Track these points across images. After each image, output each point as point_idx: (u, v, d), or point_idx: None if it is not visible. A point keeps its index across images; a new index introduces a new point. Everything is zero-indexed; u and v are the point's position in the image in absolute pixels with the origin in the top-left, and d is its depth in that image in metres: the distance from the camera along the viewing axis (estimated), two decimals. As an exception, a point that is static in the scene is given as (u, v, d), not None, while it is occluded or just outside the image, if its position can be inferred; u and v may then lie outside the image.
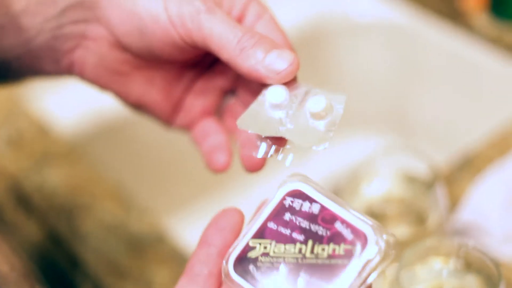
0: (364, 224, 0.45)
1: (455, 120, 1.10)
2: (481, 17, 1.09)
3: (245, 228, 0.49)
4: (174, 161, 1.09)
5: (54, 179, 0.94)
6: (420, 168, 0.75)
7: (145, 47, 0.57)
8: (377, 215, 0.74)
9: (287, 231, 0.47)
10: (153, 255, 0.83)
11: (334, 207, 0.47)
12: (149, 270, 0.81)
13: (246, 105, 0.60)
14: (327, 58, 1.20)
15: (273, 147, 0.53)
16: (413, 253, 0.65)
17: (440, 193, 0.74)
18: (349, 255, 0.45)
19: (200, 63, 0.62)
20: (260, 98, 0.54)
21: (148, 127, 1.05)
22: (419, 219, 0.76)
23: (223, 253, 0.48)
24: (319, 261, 0.45)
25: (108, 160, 1.02)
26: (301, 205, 0.48)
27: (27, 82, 0.64)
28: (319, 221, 0.47)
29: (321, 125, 0.51)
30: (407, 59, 1.15)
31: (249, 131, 0.53)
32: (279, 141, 0.53)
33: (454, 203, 0.82)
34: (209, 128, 0.63)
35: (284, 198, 0.48)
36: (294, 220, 0.47)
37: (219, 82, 0.62)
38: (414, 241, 0.69)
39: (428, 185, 0.74)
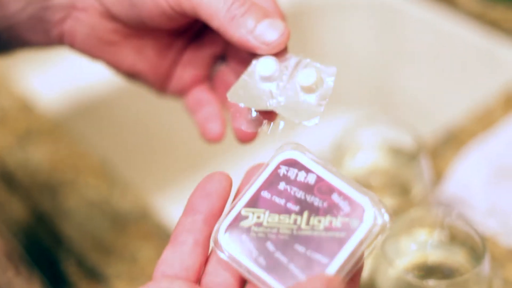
0: (362, 196, 0.45)
1: (439, 96, 1.10)
2: (465, -7, 1.09)
3: (236, 197, 0.47)
4: (158, 137, 1.09)
5: (38, 156, 0.93)
6: (405, 140, 0.76)
7: (135, 17, 0.57)
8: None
9: (281, 201, 0.46)
10: (137, 231, 0.83)
11: (330, 178, 0.46)
12: (133, 246, 0.81)
13: (236, 71, 0.61)
14: (311, 35, 1.19)
15: (264, 121, 0.53)
16: (398, 224, 0.66)
17: (425, 165, 0.74)
18: (346, 227, 0.44)
19: (190, 29, 0.61)
20: (250, 69, 0.53)
21: (131, 103, 1.05)
22: (403, 190, 0.76)
23: (209, 220, 0.46)
24: (315, 233, 0.44)
25: (91, 137, 1.02)
26: (296, 174, 0.46)
27: (16, 53, 0.63)
28: (315, 192, 0.45)
29: (312, 98, 0.51)
30: (391, 35, 1.15)
31: (240, 105, 0.53)
32: (269, 114, 0.53)
33: (438, 176, 0.82)
34: (202, 97, 0.63)
35: (278, 167, 0.47)
36: (289, 190, 0.46)
37: (209, 48, 0.62)
38: (399, 212, 0.69)
39: (412, 156, 0.74)
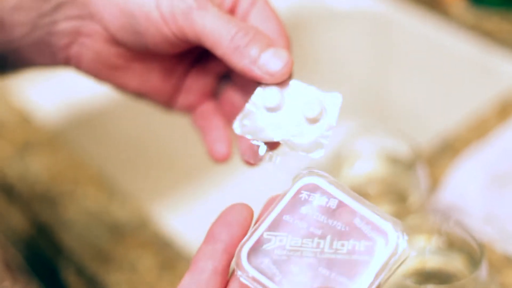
0: (384, 221, 0.45)
1: (434, 105, 1.11)
2: (459, 5, 1.10)
3: (257, 222, 0.47)
4: (155, 148, 1.09)
5: (37, 167, 0.94)
6: (401, 149, 0.76)
7: (139, 42, 0.57)
8: (359, 195, 0.75)
9: (303, 225, 0.46)
10: (136, 240, 0.83)
11: (352, 203, 0.46)
12: (133, 255, 0.81)
13: (241, 89, 0.61)
14: (306, 45, 1.20)
15: (269, 152, 0.53)
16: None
17: (421, 173, 0.74)
18: (370, 251, 0.44)
19: (194, 51, 0.62)
20: (254, 98, 0.54)
21: (128, 114, 1.06)
22: (400, 198, 0.77)
23: (229, 249, 0.46)
24: (339, 256, 0.44)
25: (89, 148, 1.02)
26: (318, 199, 0.47)
27: (22, 73, 0.64)
28: (337, 216, 0.46)
29: (316, 129, 0.52)
30: (385, 46, 1.16)
31: (245, 137, 0.53)
32: (275, 144, 0.54)
33: (434, 184, 0.82)
34: (208, 115, 0.63)
35: (299, 192, 0.47)
36: (311, 214, 0.46)
37: (213, 67, 0.63)
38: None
39: (409, 165, 0.74)
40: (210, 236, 0.46)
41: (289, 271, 0.44)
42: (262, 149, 0.54)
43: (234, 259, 0.45)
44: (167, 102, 0.64)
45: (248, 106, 0.54)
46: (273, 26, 0.56)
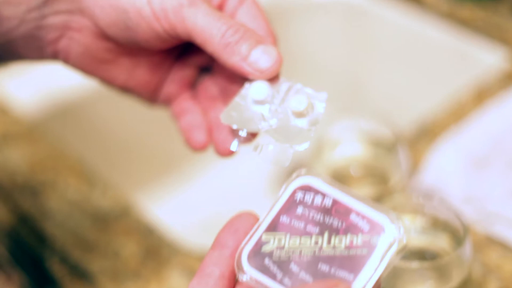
0: (380, 215, 0.46)
1: (411, 93, 1.13)
2: (432, -7, 1.11)
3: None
4: (134, 137, 1.10)
5: (17, 158, 0.93)
6: (382, 132, 0.77)
7: (129, 38, 0.58)
8: (341, 177, 0.76)
9: (301, 224, 0.47)
10: (118, 228, 0.83)
11: (347, 200, 0.47)
12: (116, 243, 0.82)
13: (220, 82, 0.62)
14: (284, 36, 1.21)
15: (254, 143, 0.54)
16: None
17: (402, 155, 0.75)
18: (367, 245, 0.45)
19: (180, 46, 0.62)
20: (243, 92, 0.55)
21: (107, 105, 1.06)
22: (382, 180, 0.78)
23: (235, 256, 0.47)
24: (337, 252, 0.45)
25: (68, 138, 1.02)
26: (313, 198, 0.47)
27: (10, 66, 0.64)
28: (333, 214, 0.47)
29: (302, 123, 0.52)
30: (363, 36, 1.17)
31: (233, 127, 0.54)
32: (260, 136, 0.55)
33: (414, 167, 0.84)
34: (186, 105, 0.63)
35: (294, 192, 0.48)
36: (307, 214, 0.47)
37: (195, 60, 0.63)
38: (379, 200, 0.70)
39: (390, 147, 0.75)
40: (217, 243, 0.47)
41: (290, 270, 0.45)
42: (247, 138, 0.55)
43: (235, 263, 0.46)
44: (151, 97, 0.64)
45: (237, 98, 0.55)
46: (261, 24, 0.57)
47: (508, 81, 0.96)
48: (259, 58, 0.53)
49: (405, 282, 0.64)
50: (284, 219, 0.47)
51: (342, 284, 0.43)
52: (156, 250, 0.81)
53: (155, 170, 1.09)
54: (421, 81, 1.10)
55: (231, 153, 0.60)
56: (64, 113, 1.05)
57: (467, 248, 0.64)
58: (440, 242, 0.67)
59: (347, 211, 0.47)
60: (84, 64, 0.61)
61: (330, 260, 0.45)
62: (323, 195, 0.47)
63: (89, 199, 0.87)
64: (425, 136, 0.88)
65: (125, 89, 0.63)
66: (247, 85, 0.55)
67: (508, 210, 0.78)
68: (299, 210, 0.47)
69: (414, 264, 0.63)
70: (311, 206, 0.47)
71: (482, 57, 1.03)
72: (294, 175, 0.48)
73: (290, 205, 0.47)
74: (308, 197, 0.47)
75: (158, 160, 1.09)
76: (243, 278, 0.46)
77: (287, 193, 0.48)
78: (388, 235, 0.45)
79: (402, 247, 0.45)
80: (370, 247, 0.45)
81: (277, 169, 1.05)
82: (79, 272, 0.79)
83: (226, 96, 0.62)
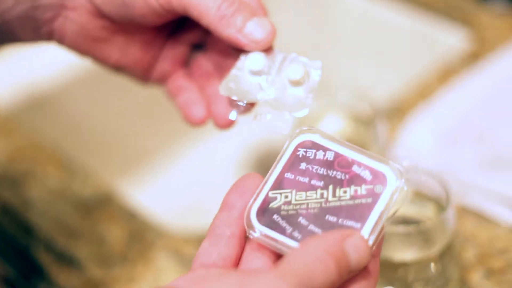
0: (381, 164, 0.47)
1: (377, 76, 1.15)
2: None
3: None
4: (110, 125, 1.10)
5: (-6, 150, 0.94)
6: (361, 107, 0.79)
7: (125, 14, 0.59)
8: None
9: (305, 179, 0.48)
10: (102, 215, 0.84)
11: (348, 153, 0.48)
12: (100, 229, 0.83)
13: (214, 58, 0.64)
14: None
15: (256, 113, 0.55)
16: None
17: (380, 129, 0.78)
18: (371, 194, 0.46)
19: (172, 22, 0.63)
20: (239, 63, 0.56)
21: (81, 94, 1.06)
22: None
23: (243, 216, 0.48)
24: (343, 203, 0.47)
25: (44, 129, 1.03)
26: (315, 154, 0.49)
27: (4, 48, 0.64)
28: (336, 167, 0.48)
29: (299, 91, 0.54)
30: (327, 22, 1.19)
31: (232, 98, 0.56)
32: (258, 106, 0.56)
33: (385, 145, 0.86)
34: (181, 83, 0.65)
35: (296, 150, 0.49)
36: (311, 169, 0.48)
37: (187, 38, 0.65)
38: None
39: (369, 122, 0.78)
40: (225, 204, 0.48)
41: (299, 223, 0.46)
42: (246, 107, 0.57)
43: (244, 222, 0.47)
44: (144, 75, 0.65)
45: (234, 71, 0.56)
46: (253, 1, 0.58)
47: (470, 60, 0.99)
48: (254, 30, 0.55)
49: (390, 247, 0.65)
50: (288, 175, 0.48)
51: (357, 233, 0.45)
52: (141, 234, 0.82)
53: (135, 156, 1.10)
54: (386, 64, 1.13)
55: (231, 123, 0.61)
56: (39, 104, 1.06)
57: (450, 214, 0.66)
58: (425, 211, 0.69)
59: (349, 163, 0.48)
60: (79, 44, 0.62)
61: (337, 211, 0.46)
62: (325, 150, 0.48)
63: (70, 188, 0.88)
64: (393, 115, 0.91)
65: (118, 67, 0.64)
66: (243, 57, 0.56)
67: (480, 181, 0.81)
68: (303, 165, 0.48)
69: (400, 229, 0.64)
70: (313, 161, 0.48)
71: (443, 38, 1.06)
72: (295, 133, 0.50)
73: (293, 162, 0.49)
74: (311, 153, 0.49)
75: (136, 147, 1.10)
76: (254, 235, 0.46)
77: (289, 150, 0.49)
78: (390, 183, 0.47)
79: (404, 194, 0.47)
80: (374, 196, 0.46)
81: (258, 153, 1.07)
82: (66, 259, 0.80)
83: (221, 71, 0.63)
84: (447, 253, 0.67)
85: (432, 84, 0.96)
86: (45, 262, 0.81)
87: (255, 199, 0.48)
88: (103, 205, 0.85)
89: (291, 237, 0.46)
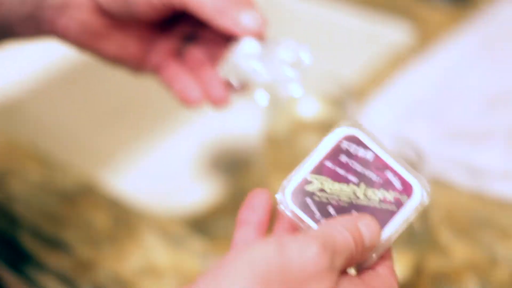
0: (412, 177, 0.50)
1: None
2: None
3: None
4: (83, 122, 1.12)
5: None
6: (332, 87, 0.84)
7: (126, 11, 0.63)
8: (297, 130, 0.82)
9: (342, 172, 0.50)
10: (86, 203, 0.87)
11: (386, 157, 0.50)
12: (86, 215, 0.85)
13: (206, 48, 0.69)
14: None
15: (254, 93, 0.62)
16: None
17: (351, 107, 0.83)
18: (397, 202, 0.49)
19: (166, 16, 0.68)
20: (234, 49, 0.62)
21: (52, 95, 1.07)
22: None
23: (259, 229, 0.51)
24: (371, 204, 0.49)
25: (18, 129, 1.04)
26: (357, 150, 0.50)
27: (5, 44, 0.66)
28: (372, 168, 0.50)
29: (292, 72, 0.60)
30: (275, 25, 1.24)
31: (230, 79, 0.61)
32: (254, 88, 0.62)
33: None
34: (175, 71, 0.69)
35: (341, 141, 0.50)
36: (350, 163, 0.50)
37: (180, 29, 0.70)
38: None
39: (339, 101, 0.83)
40: (240, 221, 0.51)
41: (327, 212, 0.49)
42: (242, 91, 0.63)
43: (278, 194, 0.49)
44: (139, 66, 0.70)
45: (230, 55, 0.62)
46: None
47: (415, 52, 1.07)
48: (248, 21, 0.61)
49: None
50: (328, 164, 0.50)
51: (368, 215, 0.48)
52: (126, 217, 0.85)
53: (112, 144, 1.12)
54: (333, 62, 1.18)
55: (227, 103, 0.66)
56: (12, 106, 1.07)
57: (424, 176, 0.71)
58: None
59: (384, 167, 0.50)
60: (81, 40, 0.66)
61: (363, 209, 0.49)
62: (366, 149, 0.51)
63: (53, 181, 0.91)
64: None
65: (115, 60, 0.68)
66: (237, 43, 0.62)
67: (439, 151, 0.88)
68: (343, 158, 0.50)
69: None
70: (354, 157, 0.50)
71: (388, 32, 1.14)
72: (342, 123, 0.51)
73: (336, 152, 0.50)
74: (353, 148, 0.50)
75: (112, 136, 1.13)
76: (285, 210, 0.49)
77: (333, 138, 0.51)
78: (416, 197, 0.50)
79: (422, 208, 0.50)
80: (399, 205, 0.49)
81: (233, 138, 1.11)
82: (54, 243, 0.82)
83: (213, 60, 0.68)
84: (420, 215, 0.72)
85: (383, 72, 1.03)
86: (33, 248, 0.83)
87: (293, 177, 0.50)
88: (86, 195, 0.88)
89: (317, 222, 0.49)
